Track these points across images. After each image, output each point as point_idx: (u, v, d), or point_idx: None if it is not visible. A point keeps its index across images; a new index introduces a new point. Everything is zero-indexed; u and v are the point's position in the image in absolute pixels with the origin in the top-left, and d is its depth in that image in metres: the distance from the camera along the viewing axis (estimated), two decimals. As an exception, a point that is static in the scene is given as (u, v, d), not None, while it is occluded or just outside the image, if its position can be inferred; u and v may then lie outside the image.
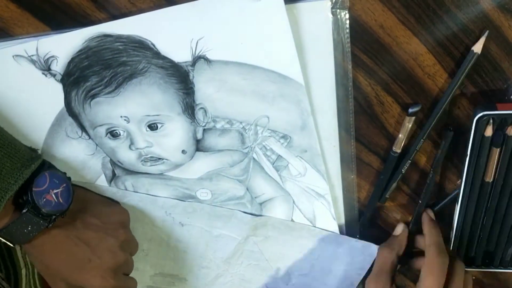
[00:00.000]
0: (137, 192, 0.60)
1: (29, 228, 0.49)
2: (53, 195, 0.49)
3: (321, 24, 0.47)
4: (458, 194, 0.55)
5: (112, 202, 0.60)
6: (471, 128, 0.49)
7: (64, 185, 0.50)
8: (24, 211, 0.48)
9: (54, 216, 0.50)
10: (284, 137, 0.55)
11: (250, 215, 0.62)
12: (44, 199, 0.48)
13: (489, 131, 0.49)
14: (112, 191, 0.59)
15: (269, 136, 0.55)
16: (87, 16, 0.48)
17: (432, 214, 0.59)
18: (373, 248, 0.62)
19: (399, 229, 0.61)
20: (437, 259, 0.55)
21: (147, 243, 0.64)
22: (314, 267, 0.65)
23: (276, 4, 0.46)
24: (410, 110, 0.52)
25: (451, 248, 0.59)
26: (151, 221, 0.62)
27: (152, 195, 0.60)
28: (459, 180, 0.54)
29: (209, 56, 0.50)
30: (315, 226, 0.62)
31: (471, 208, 0.55)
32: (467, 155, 0.51)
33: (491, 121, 0.48)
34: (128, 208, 0.60)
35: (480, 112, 0.48)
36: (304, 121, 0.53)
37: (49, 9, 0.47)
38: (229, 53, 0.49)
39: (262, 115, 0.54)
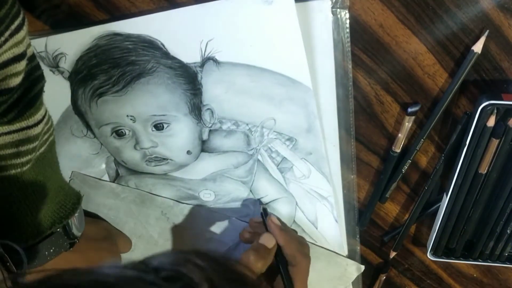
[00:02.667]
0: (136, 188, 0.57)
1: (51, 250, 0.45)
2: (72, 219, 0.47)
3: (321, 24, 0.46)
4: (448, 184, 0.53)
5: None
6: (474, 117, 0.47)
7: (78, 210, 0.48)
8: (57, 230, 0.44)
9: (77, 240, 0.47)
10: (290, 139, 0.53)
11: (247, 223, 0.59)
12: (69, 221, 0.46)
13: (491, 121, 0.47)
14: (111, 186, 0.56)
15: (274, 138, 0.53)
16: (86, 15, 0.46)
17: (276, 220, 0.52)
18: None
19: (271, 242, 0.51)
20: (305, 263, 0.51)
21: (135, 239, 0.60)
22: None
23: (287, 8, 0.44)
24: (409, 110, 0.50)
25: (433, 239, 0.57)
26: (144, 218, 0.59)
27: (151, 193, 0.57)
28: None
29: (218, 57, 0.48)
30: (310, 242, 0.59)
31: (460, 200, 0.53)
32: (465, 144, 0.49)
33: (495, 111, 0.46)
34: (124, 203, 0.57)
35: (485, 101, 0.46)
36: (310, 124, 0.51)
37: (48, 8, 0.46)
38: (239, 55, 0.48)
39: (268, 117, 0.52)
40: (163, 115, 0.51)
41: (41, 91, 0.40)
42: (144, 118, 0.51)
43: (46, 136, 0.42)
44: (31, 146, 0.39)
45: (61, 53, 0.48)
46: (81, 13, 0.46)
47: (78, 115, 0.52)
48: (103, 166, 0.56)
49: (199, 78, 0.49)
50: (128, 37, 0.47)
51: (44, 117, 0.40)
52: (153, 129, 0.52)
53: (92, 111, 0.51)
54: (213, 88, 0.50)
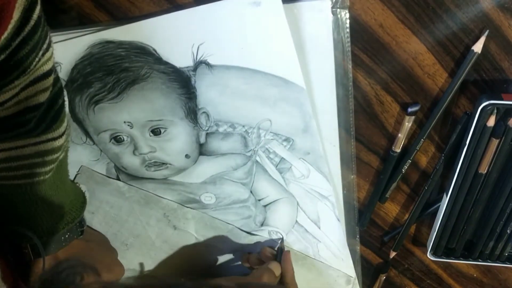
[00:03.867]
0: (142, 189, 0.56)
1: (66, 236, 0.47)
2: None
3: (321, 24, 0.44)
4: (448, 184, 0.52)
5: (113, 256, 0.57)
6: (474, 117, 0.46)
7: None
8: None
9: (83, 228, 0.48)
10: (287, 139, 0.52)
11: (246, 233, 0.59)
12: None
13: (491, 121, 0.46)
14: (118, 184, 0.56)
15: (271, 139, 0.52)
16: (86, 15, 0.45)
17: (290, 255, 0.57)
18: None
19: (278, 270, 0.55)
20: None
21: (132, 239, 0.60)
22: None
23: (275, 9, 0.43)
24: (409, 110, 0.49)
25: (433, 239, 0.56)
26: (146, 219, 0.59)
27: (157, 195, 0.57)
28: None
29: (210, 61, 0.47)
30: (304, 254, 0.60)
31: (460, 199, 0.52)
32: (465, 144, 0.48)
33: (495, 110, 0.45)
34: (128, 203, 0.57)
35: (485, 101, 0.45)
36: (306, 123, 0.50)
37: (49, 8, 0.44)
38: (230, 58, 0.47)
39: (264, 118, 0.51)
40: (160, 120, 0.51)
41: (63, 103, 0.41)
42: (141, 123, 0.51)
43: (65, 145, 0.43)
44: (55, 156, 0.41)
45: (56, 63, 0.46)
46: (81, 13, 0.45)
47: (76, 123, 0.51)
48: (104, 172, 0.55)
49: (192, 82, 0.48)
50: (120, 44, 0.46)
51: (66, 128, 0.41)
52: (151, 134, 0.52)
53: (89, 118, 0.51)
54: (207, 92, 0.49)
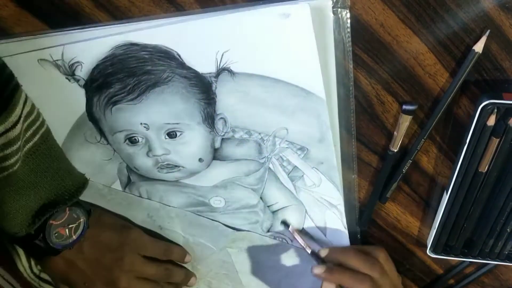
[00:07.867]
0: (123, 191, 0.51)
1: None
2: (67, 230, 0.43)
3: (322, 23, 0.40)
4: (448, 182, 0.47)
5: (124, 226, 0.50)
6: (475, 115, 0.41)
7: (81, 220, 0.44)
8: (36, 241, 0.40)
9: (61, 249, 0.43)
10: (302, 149, 0.47)
11: (231, 229, 0.53)
12: (56, 233, 0.42)
13: (492, 120, 0.41)
14: (98, 187, 0.49)
15: (286, 147, 0.47)
16: (86, 15, 0.40)
17: (318, 269, 0.51)
18: None
19: None
20: None
21: None
22: (280, 283, 0.56)
23: (304, 22, 0.39)
24: (404, 107, 0.44)
25: (432, 236, 0.51)
26: (130, 220, 0.53)
27: (138, 196, 0.51)
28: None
29: (233, 68, 0.42)
30: (290, 244, 0.55)
31: (460, 198, 0.47)
32: (465, 143, 0.43)
33: (495, 110, 0.41)
34: (110, 205, 0.51)
35: (485, 100, 0.41)
36: (322, 134, 0.45)
37: (48, 7, 0.40)
38: (254, 66, 0.42)
39: (281, 127, 0.45)
40: (177, 123, 0.45)
41: (13, 91, 0.34)
42: (158, 126, 0.45)
43: (30, 132, 0.36)
44: (15, 147, 0.34)
45: (77, 62, 0.41)
46: (81, 12, 0.40)
47: (92, 122, 0.45)
48: (115, 172, 0.48)
49: (213, 88, 0.43)
50: (144, 47, 0.41)
51: (20, 117, 0.35)
52: (166, 137, 0.46)
53: (106, 118, 0.45)
54: (227, 98, 0.44)
